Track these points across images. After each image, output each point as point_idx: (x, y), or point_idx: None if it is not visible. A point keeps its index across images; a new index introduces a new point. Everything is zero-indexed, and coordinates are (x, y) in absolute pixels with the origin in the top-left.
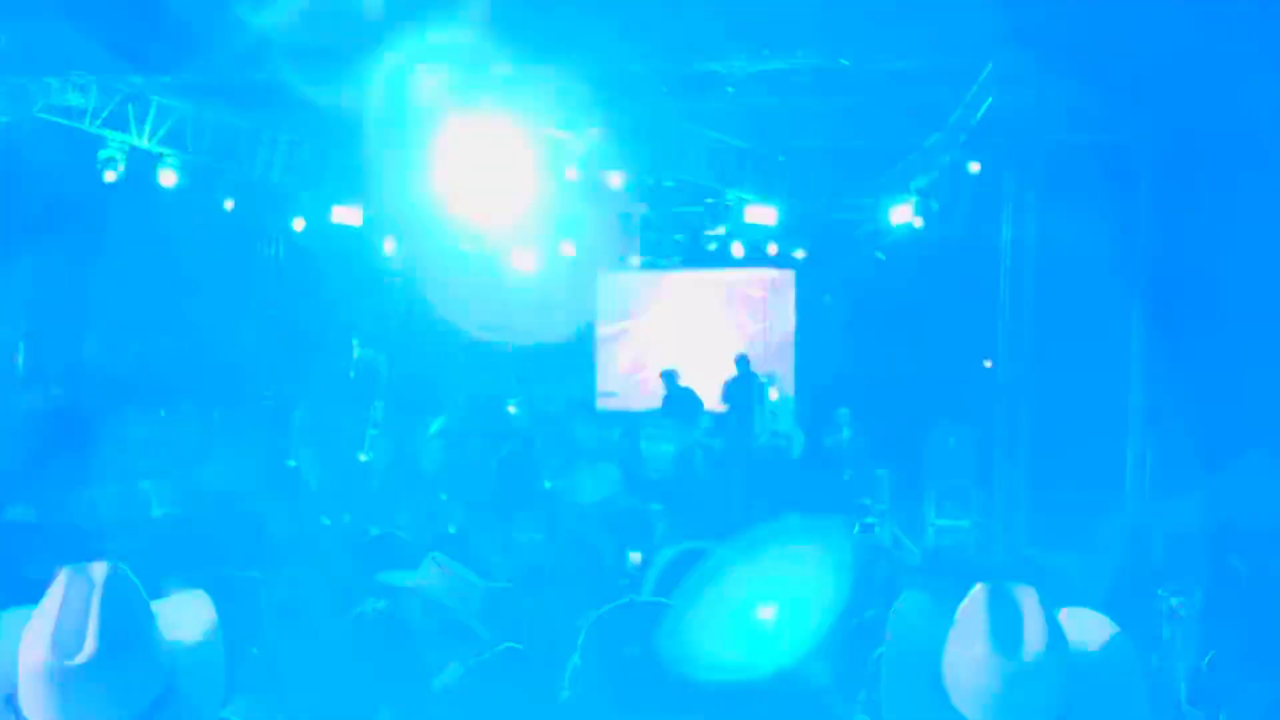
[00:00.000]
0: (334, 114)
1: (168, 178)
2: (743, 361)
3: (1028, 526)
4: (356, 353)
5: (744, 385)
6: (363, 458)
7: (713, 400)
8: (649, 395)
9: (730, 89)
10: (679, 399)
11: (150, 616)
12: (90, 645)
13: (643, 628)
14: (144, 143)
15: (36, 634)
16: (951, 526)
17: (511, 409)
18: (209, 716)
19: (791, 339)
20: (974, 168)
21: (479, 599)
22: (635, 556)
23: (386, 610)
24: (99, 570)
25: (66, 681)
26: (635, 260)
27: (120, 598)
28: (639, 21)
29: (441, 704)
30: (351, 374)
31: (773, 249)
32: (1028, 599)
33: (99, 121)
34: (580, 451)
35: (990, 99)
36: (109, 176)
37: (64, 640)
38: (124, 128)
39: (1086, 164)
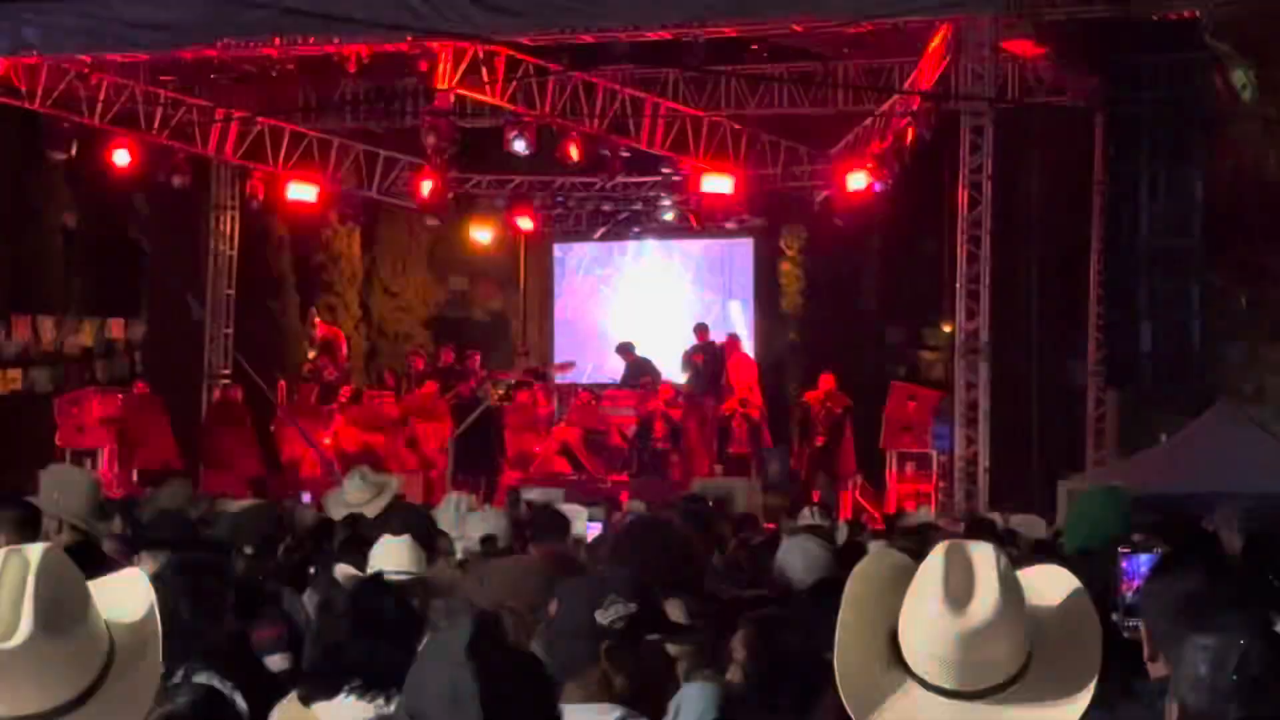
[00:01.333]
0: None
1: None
2: (701, 329)
3: (988, 490)
4: None
5: (705, 354)
6: None
7: (673, 370)
8: (610, 369)
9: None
10: (638, 370)
11: (87, 596)
12: (25, 627)
13: None
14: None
15: None
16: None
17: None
18: (146, 695)
19: (751, 308)
20: (928, 133)
21: None
22: None
23: None
24: (34, 551)
25: (4, 664)
26: (595, 233)
27: (55, 578)
28: None
29: None
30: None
31: (728, 217)
32: (983, 557)
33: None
34: None
35: (945, 64)
36: None
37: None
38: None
39: (1043, 127)
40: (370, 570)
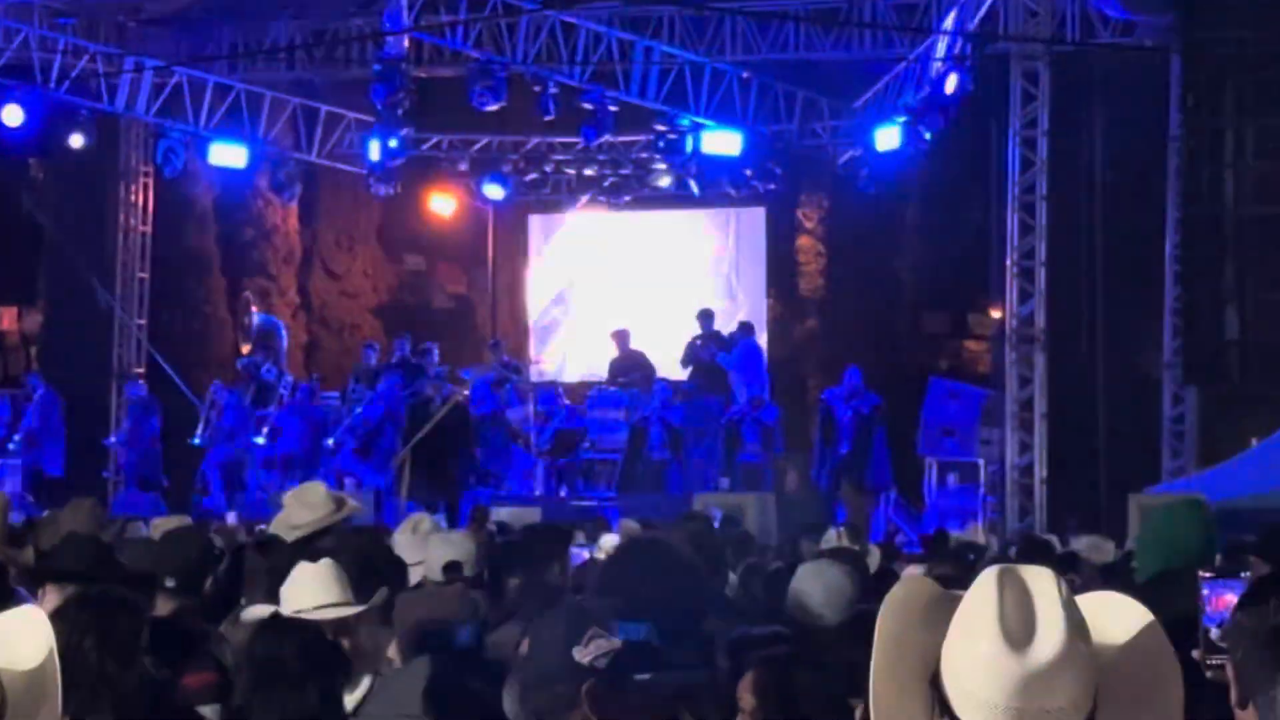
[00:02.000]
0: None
1: None
2: (706, 318)
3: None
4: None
5: (710, 344)
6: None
7: (671, 366)
8: (593, 363)
9: None
10: (629, 362)
11: None
12: None
13: None
14: None
15: None
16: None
17: None
18: None
19: (764, 291)
20: (954, 86)
21: None
22: None
23: None
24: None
25: None
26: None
27: None
28: None
29: None
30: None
31: (735, 183)
32: (1043, 586)
33: None
34: None
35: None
36: None
37: None
38: None
39: (1109, 73)
40: (284, 606)
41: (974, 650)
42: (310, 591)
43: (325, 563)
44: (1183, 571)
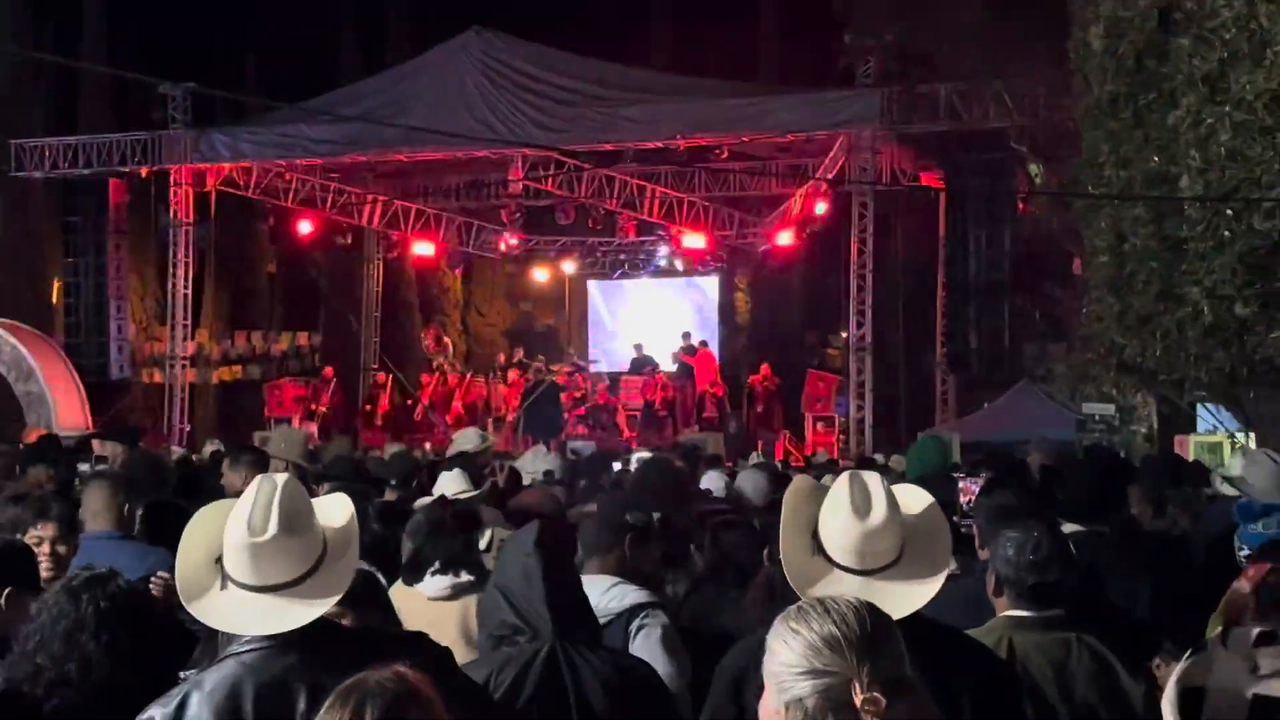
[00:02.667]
0: None
1: None
2: (685, 336)
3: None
4: None
5: (686, 353)
6: None
7: (666, 363)
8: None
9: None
10: (643, 362)
11: (311, 509)
12: (272, 527)
13: None
14: None
15: (236, 519)
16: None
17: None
18: (346, 580)
19: (717, 321)
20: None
21: None
22: None
23: None
24: (279, 478)
25: (256, 551)
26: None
27: (292, 496)
28: None
29: None
30: None
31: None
32: (874, 481)
33: None
34: None
35: (841, 161)
36: None
37: (255, 523)
38: None
39: (905, 202)
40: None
41: (836, 517)
42: (452, 484)
43: (456, 470)
44: (933, 475)
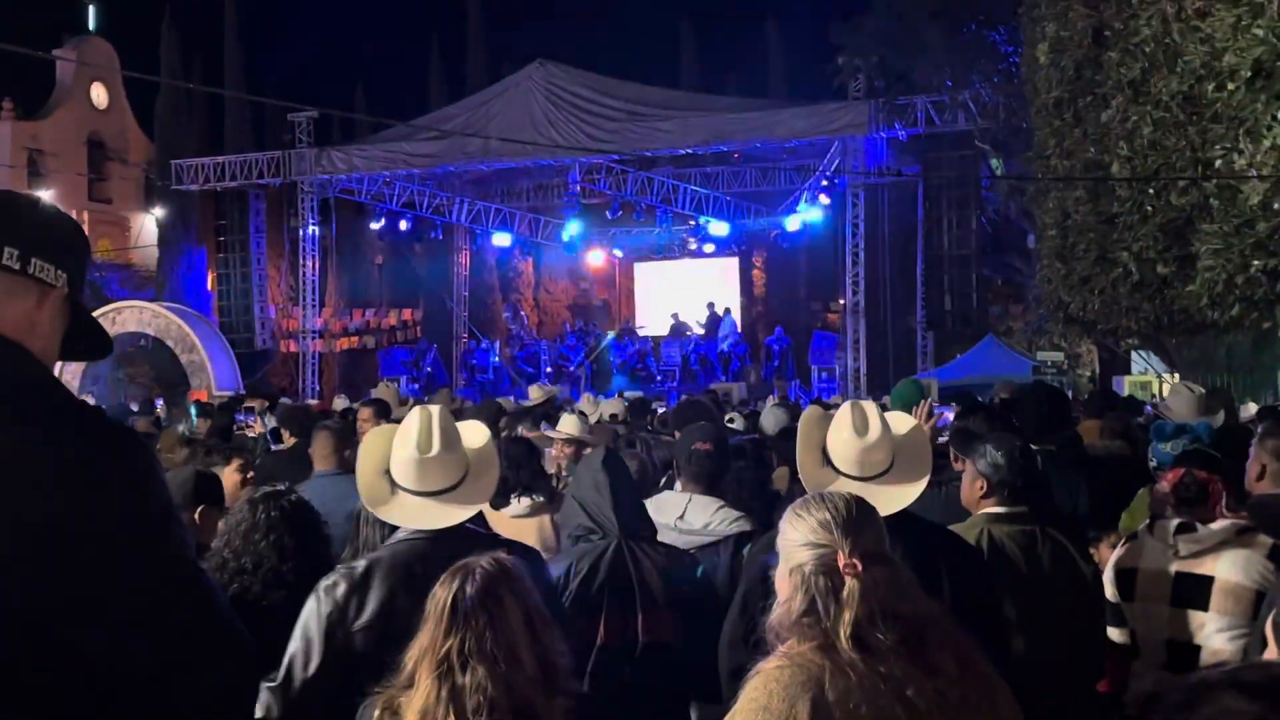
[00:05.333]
0: None
1: None
2: (710, 306)
3: (866, 387)
4: None
5: (713, 319)
6: None
7: (696, 329)
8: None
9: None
10: (680, 328)
11: (458, 433)
12: (436, 444)
13: None
14: None
15: (404, 439)
16: (828, 387)
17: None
18: (488, 492)
19: (738, 294)
20: (824, 199)
21: None
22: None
23: None
24: (432, 407)
25: (423, 464)
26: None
27: (444, 420)
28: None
29: None
30: None
31: (725, 246)
32: (870, 406)
33: None
34: None
35: (837, 161)
36: None
37: (421, 442)
38: None
39: (891, 191)
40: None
41: (841, 435)
42: (570, 425)
43: (573, 416)
44: (911, 406)
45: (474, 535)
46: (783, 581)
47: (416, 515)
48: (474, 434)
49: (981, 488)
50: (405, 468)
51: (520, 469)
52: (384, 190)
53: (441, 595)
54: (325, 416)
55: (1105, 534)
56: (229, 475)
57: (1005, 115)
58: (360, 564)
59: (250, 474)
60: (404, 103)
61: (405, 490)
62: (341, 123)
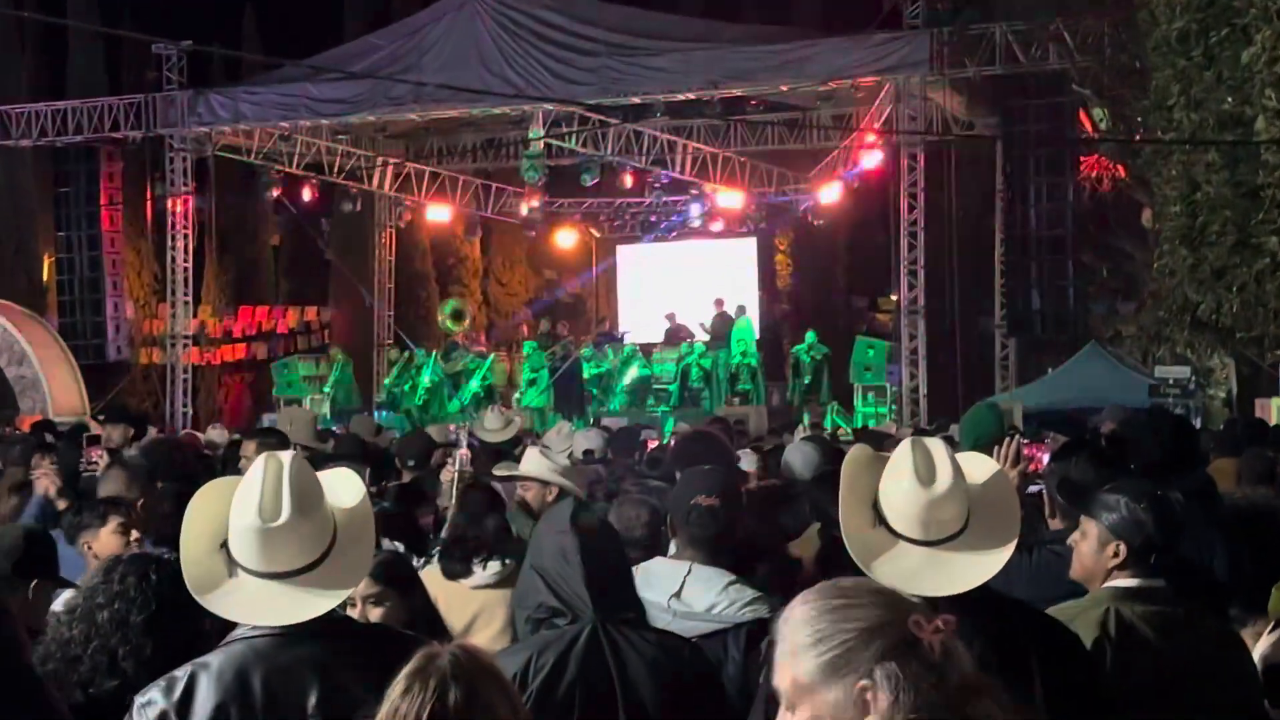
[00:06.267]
0: None
1: None
2: (719, 302)
3: (926, 412)
4: None
5: (720, 319)
6: None
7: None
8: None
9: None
10: (676, 332)
11: (320, 490)
12: (286, 507)
13: None
14: None
15: (243, 501)
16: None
17: None
18: (364, 566)
19: (756, 287)
20: (870, 163)
21: None
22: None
23: None
24: (286, 456)
25: (269, 536)
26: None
27: (303, 473)
28: None
29: None
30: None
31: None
32: (937, 447)
33: None
34: None
35: (888, 111)
36: None
37: (266, 507)
38: None
39: (959, 153)
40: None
41: (899, 485)
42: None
43: (537, 450)
44: (987, 444)
45: (346, 630)
46: None
47: (260, 605)
48: (344, 489)
49: (1115, 555)
50: (245, 540)
51: (482, 524)
52: (281, 148)
53: (405, 709)
54: (202, 458)
55: (1251, 616)
56: (106, 539)
57: (1112, 51)
58: (182, 673)
59: (135, 535)
60: (308, 33)
61: (246, 571)
62: (224, 59)
